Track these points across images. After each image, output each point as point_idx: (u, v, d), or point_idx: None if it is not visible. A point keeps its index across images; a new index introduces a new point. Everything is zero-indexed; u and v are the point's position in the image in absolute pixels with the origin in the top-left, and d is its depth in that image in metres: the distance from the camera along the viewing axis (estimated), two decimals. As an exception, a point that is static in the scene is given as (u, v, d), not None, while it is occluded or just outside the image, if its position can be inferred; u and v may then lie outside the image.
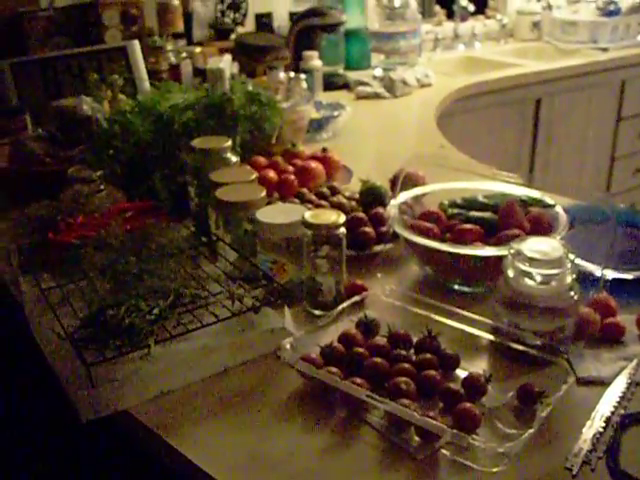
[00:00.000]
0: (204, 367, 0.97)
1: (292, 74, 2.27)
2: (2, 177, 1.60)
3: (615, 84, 3.01)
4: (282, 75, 2.24)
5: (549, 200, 1.24)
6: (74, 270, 1.19)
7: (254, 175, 1.27)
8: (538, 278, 1.00)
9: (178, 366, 0.95)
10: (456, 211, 1.25)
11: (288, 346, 0.95)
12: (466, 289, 1.19)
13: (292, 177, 1.53)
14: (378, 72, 2.60)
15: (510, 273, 1.02)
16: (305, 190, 1.46)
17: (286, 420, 0.92)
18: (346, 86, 2.49)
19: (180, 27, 2.30)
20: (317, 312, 1.13)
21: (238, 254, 1.15)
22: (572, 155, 2.98)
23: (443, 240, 1.17)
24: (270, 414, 0.93)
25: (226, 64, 2.03)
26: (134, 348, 0.91)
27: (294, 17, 2.51)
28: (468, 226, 1.19)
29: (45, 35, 2.23)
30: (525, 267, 1.00)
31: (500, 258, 1.09)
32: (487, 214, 1.22)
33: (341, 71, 2.63)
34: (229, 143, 1.34)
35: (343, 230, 1.10)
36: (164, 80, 2.12)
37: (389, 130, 2.11)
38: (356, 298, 1.08)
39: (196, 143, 1.35)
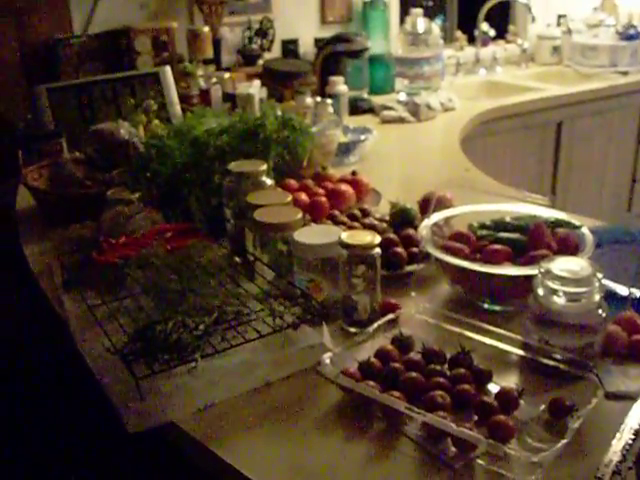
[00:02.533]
0: (247, 381, 1.02)
1: (318, 99, 2.33)
2: (43, 199, 1.66)
3: (635, 107, 3.05)
4: (309, 100, 2.30)
5: (576, 222, 1.27)
6: (117, 288, 1.24)
7: (289, 197, 1.32)
8: (567, 296, 1.03)
9: (222, 379, 0.99)
10: (485, 232, 1.29)
11: (328, 361, 0.99)
12: (496, 307, 1.22)
13: (323, 199, 1.57)
14: (402, 97, 2.65)
15: (540, 291, 1.05)
16: (337, 212, 1.50)
17: (327, 432, 0.96)
18: (371, 110, 2.55)
19: (209, 53, 2.37)
20: (352, 329, 1.17)
21: (275, 273, 1.20)
22: (593, 178, 3.01)
23: (474, 260, 1.21)
24: (311, 426, 0.97)
25: (255, 89, 2.10)
26: (182, 362, 0.95)
27: (320, 43, 2.58)
28: (497, 247, 1.23)
29: (78, 61, 2.31)
30: (555, 285, 1.04)
31: (529, 277, 1.13)
32: (515, 235, 1.26)
33: (365, 95, 2.69)
34: (264, 167, 1.39)
35: (378, 250, 1.14)
36: (195, 105, 2.19)
37: (414, 153, 2.16)
38: (391, 316, 1.12)
39: (232, 167, 1.40)
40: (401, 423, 0.95)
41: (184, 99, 2.19)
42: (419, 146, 2.24)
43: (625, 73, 3.06)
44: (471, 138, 2.41)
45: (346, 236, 1.15)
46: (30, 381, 1.58)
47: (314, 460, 0.91)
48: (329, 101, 2.30)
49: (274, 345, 1.04)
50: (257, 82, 2.19)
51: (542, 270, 1.06)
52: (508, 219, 1.32)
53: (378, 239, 1.14)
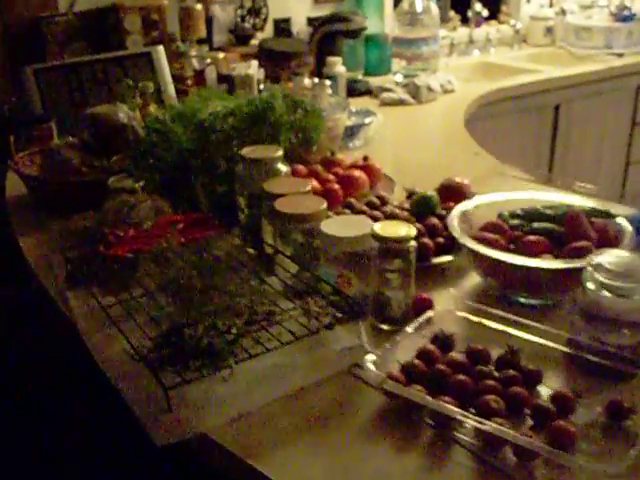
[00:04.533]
0: (282, 387, 0.94)
1: (316, 80, 2.24)
2: (36, 187, 1.56)
3: (630, 89, 3.00)
4: (307, 81, 2.21)
5: (613, 211, 1.21)
6: (128, 285, 1.15)
7: (309, 186, 1.24)
8: (619, 291, 0.97)
9: (257, 386, 0.92)
10: (517, 222, 1.23)
11: (372, 365, 0.92)
12: (532, 302, 1.16)
13: (336, 186, 1.49)
14: (399, 78, 2.58)
15: (590, 286, 0.99)
16: (353, 200, 1.42)
17: (372, 441, 0.89)
18: (368, 92, 2.46)
19: (202, 33, 2.26)
20: (385, 327, 1.10)
21: (301, 268, 1.12)
22: (589, 160, 2.97)
23: (510, 252, 1.14)
24: (354, 435, 0.90)
25: (254, 70, 2.00)
26: (215, 370, 0.87)
27: (316, 22, 2.48)
28: (534, 237, 1.16)
29: (64, 40, 2.19)
30: (607, 280, 0.97)
31: (572, 271, 1.07)
32: (550, 225, 1.19)
33: (360, 77, 2.60)
34: (280, 152, 1.31)
35: (414, 243, 1.07)
36: (190, 86, 2.09)
37: (420, 137, 2.09)
38: (430, 313, 1.05)
39: (246, 152, 1.32)
40: (452, 430, 0.89)
41: (178, 80, 2.08)
42: (423, 129, 2.17)
43: (620, 55, 3.01)
44: (470, 121, 2.34)
45: (379, 228, 1.07)
46: (30, 382, 1.49)
47: (360, 473, 0.85)
48: (328, 82, 2.20)
49: (309, 347, 0.97)
50: (255, 62, 2.10)
51: (593, 263, 0.99)
52: (539, 208, 1.25)
53: (414, 231, 1.07)
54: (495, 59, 3.11)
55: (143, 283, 1.12)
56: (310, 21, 2.68)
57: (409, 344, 1.02)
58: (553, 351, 1.02)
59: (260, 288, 1.06)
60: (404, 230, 1.07)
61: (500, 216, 1.26)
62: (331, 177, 1.56)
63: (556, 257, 1.13)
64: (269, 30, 2.62)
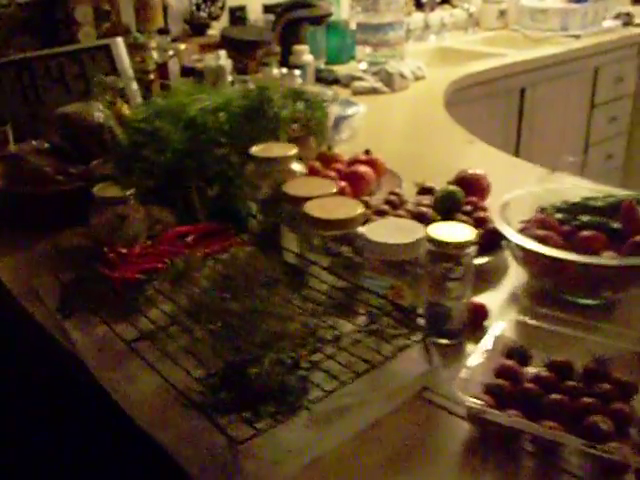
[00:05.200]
0: (355, 423, 0.81)
1: (284, 70, 2.11)
2: (3, 200, 1.36)
3: (588, 71, 2.99)
4: (276, 71, 2.07)
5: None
6: (139, 311, 1.00)
7: (335, 187, 1.11)
8: None
9: (328, 425, 0.78)
10: (562, 216, 1.13)
11: (459, 391, 0.80)
12: (590, 301, 1.06)
13: (343, 184, 1.36)
14: (363, 66, 2.46)
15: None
16: (367, 198, 1.30)
17: (467, 475, 0.77)
18: (336, 82, 2.34)
19: (160, 22, 2.08)
20: (444, 341, 0.98)
21: (343, 280, 0.99)
22: (552, 143, 2.93)
23: (567, 249, 1.04)
24: (444, 470, 0.78)
25: (225, 61, 1.85)
26: (291, 414, 0.73)
27: (278, 9, 2.34)
28: (589, 233, 1.07)
29: (7, 34, 1.97)
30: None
31: (635, 268, 0.98)
32: (601, 218, 1.10)
33: (322, 66, 2.48)
34: (295, 151, 1.17)
35: (475, 248, 0.95)
36: (152, 81, 1.91)
37: (405, 127, 1.98)
38: (502, 325, 0.94)
39: (257, 151, 1.17)
40: (558, 457, 0.78)
41: (139, 75, 1.90)
42: (406, 119, 2.06)
43: (577, 36, 2.98)
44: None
45: (435, 232, 0.95)
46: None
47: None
48: (297, 72, 2.08)
49: (379, 373, 0.84)
50: (223, 53, 1.94)
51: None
52: (582, 200, 1.16)
53: (474, 234, 0.95)
54: (451, 43, 3.04)
55: (161, 308, 0.97)
56: (266, 9, 2.53)
57: (473, 359, 0.91)
58: (629, 353, 0.93)
59: (306, 307, 0.92)
60: (464, 233, 0.95)
61: (543, 210, 1.16)
62: (332, 174, 1.43)
63: (617, 252, 1.03)
64: (224, 19, 2.45)
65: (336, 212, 1.02)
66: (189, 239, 1.09)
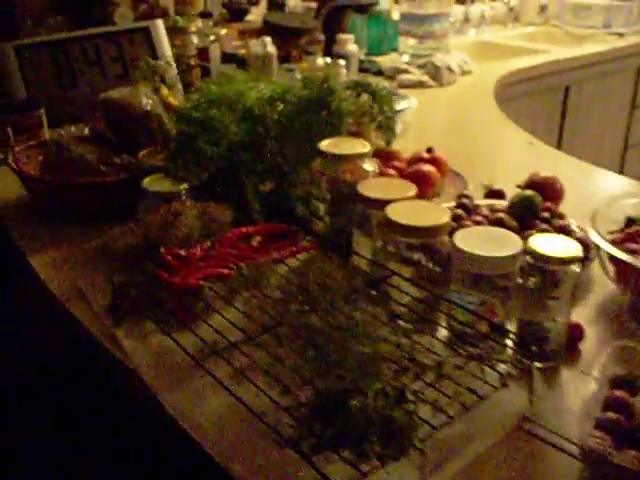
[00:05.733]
0: (457, 459, 0.71)
1: (328, 60, 2.01)
2: (41, 190, 1.27)
3: (631, 71, 2.88)
4: (320, 61, 1.97)
5: None
6: (198, 318, 0.91)
7: (413, 190, 1.01)
8: None
9: (435, 464, 0.69)
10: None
11: (572, 426, 0.70)
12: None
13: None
14: (405, 58, 2.36)
15: None
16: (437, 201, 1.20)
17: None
18: (379, 73, 2.23)
19: (200, 6, 1.98)
20: (538, 364, 0.88)
21: (432, 295, 0.89)
22: (591, 144, 2.83)
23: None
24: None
25: (272, 48, 1.75)
26: (400, 453, 0.63)
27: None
28: (695, 247, 0.97)
29: (39, 14, 1.87)
30: None
31: None
32: None
33: (362, 57, 2.37)
34: (369, 148, 1.07)
35: (579, 264, 0.85)
36: (194, 66, 1.82)
37: (457, 124, 1.87)
38: (610, 351, 0.84)
39: (327, 147, 1.08)
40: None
41: (178, 60, 1.80)
42: (456, 115, 1.95)
43: (621, 35, 2.87)
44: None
45: (537, 245, 0.85)
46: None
47: None
48: (342, 62, 1.98)
49: (482, 405, 0.74)
50: (269, 39, 1.84)
51: None
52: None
53: (579, 249, 0.85)
54: (491, 38, 2.93)
55: (228, 319, 0.87)
56: (305, -5, 2.43)
57: (570, 388, 0.82)
58: None
59: (394, 324, 0.82)
60: (568, 247, 0.85)
61: (633, 222, 1.06)
62: (392, 172, 1.34)
63: None
64: (262, 5, 2.35)
65: (421, 218, 0.92)
66: (254, 242, 0.99)
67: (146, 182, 1.14)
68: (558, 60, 2.52)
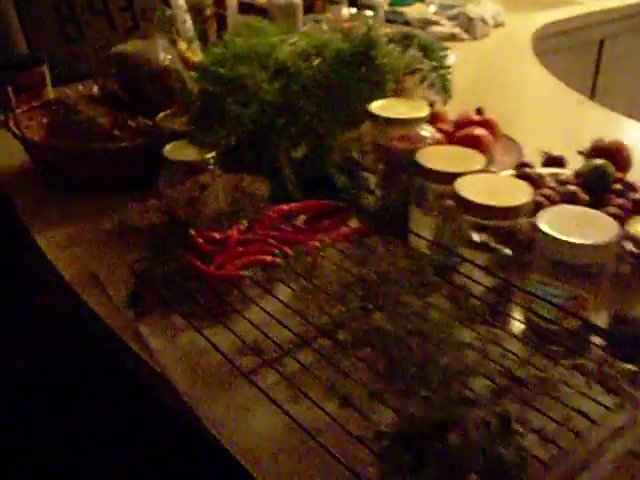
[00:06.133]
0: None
1: (353, 10, 1.84)
2: (43, 158, 1.12)
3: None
4: (345, 11, 1.81)
5: None
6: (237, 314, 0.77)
7: (483, 161, 0.87)
8: None
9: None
10: None
11: None
12: None
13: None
14: (432, 9, 2.18)
15: None
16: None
17: None
18: (407, 25, 2.06)
19: (213, -50, 1.80)
20: (630, 367, 0.75)
21: (514, 287, 0.76)
22: (625, 101, 2.66)
23: None
24: None
25: (296, -3, 1.58)
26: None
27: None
28: None
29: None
30: None
31: None
32: None
33: (386, 8, 2.20)
34: (427, 112, 0.93)
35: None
36: (209, 17, 1.65)
37: (497, 81, 1.71)
38: None
39: (378, 109, 0.93)
40: None
41: (192, 10, 1.64)
42: (494, 71, 1.79)
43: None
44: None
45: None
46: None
47: None
48: (369, 13, 1.82)
49: (595, 432, 0.61)
50: (291, -13, 1.67)
51: None
52: None
53: (695, 234, 0.72)
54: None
55: (273, 316, 0.74)
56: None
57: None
58: None
59: (475, 325, 0.69)
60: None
61: None
62: (438, 136, 1.19)
63: None
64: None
65: (498, 195, 0.79)
66: (299, 221, 0.86)
67: (168, 150, 1.00)
68: (592, 12, 2.34)
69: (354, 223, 0.89)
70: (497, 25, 2.08)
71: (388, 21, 2.03)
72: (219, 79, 1.05)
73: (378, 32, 1.14)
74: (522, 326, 0.75)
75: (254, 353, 0.73)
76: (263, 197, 0.94)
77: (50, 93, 1.38)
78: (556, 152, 1.18)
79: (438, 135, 0.94)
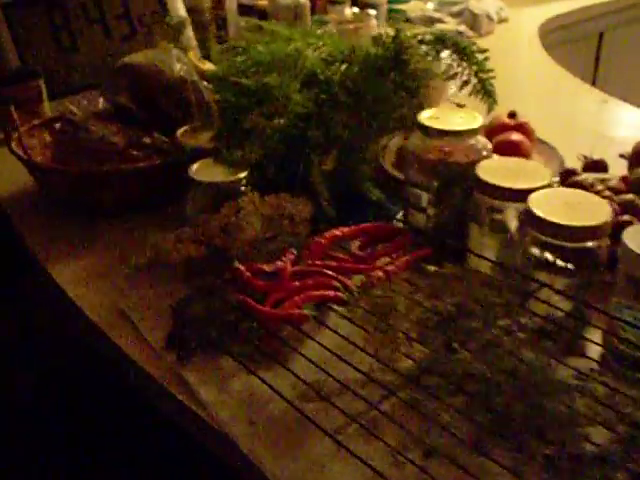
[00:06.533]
0: None
1: (355, 9, 1.77)
2: (50, 181, 1.03)
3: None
4: (348, 11, 1.73)
5: None
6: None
7: (550, 175, 0.80)
8: None
9: None
10: None
11: None
12: None
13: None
14: (431, 5, 2.11)
15: None
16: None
17: None
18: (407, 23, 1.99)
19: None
20: None
21: (596, 310, 0.69)
22: (626, 94, 2.62)
23: None
24: None
25: (303, -2, 1.50)
26: None
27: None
28: None
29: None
30: None
31: None
32: None
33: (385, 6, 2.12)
34: (480, 121, 0.86)
35: None
36: (208, 23, 1.57)
37: (511, 81, 1.64)
38: None
39: (427, 120, 0.86)
40: None
41: (192, 13, 1.55)
42: (508, 70, 1.70)
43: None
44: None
45: None
46: None
47: None
48: (372, 12, 1.74)
49: None
50: (297, -14, 1.59)
51: None
52: None
53: None
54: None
55: (350, 362, 0.66)
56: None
57: None
58: None
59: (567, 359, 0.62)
60: None
61: None
62: (490, 147, 1.12)
63: None
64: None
65: (575, 213, 0.72)
66: (355, 249, 0.78)
67: (195, 170, 0.91)
68: (592, 5, 2.29)
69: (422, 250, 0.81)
70: (500, 21, 2.02)
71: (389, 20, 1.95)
72: (242, 90, 0.97)
73: (407, 34, 1.07)
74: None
75: (320, 398, 0.66)
76: (305, 219, 0.86)
77: (47, 109, 1.28)
78: (596, 155, 1.12)
79: (490, 146, 0.87)
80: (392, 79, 1.02)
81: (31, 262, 1.03)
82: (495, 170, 0.80)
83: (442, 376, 0.60)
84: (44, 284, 0.95)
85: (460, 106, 1.01)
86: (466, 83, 0.98)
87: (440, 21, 1.91)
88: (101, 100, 1.15)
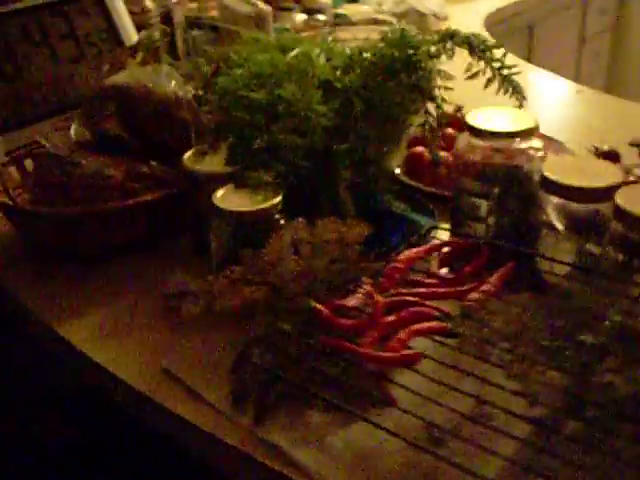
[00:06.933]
0: None
1: (304, 16, 1.70)
2: (38, 228, 0.90)
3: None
4: (299, 18, 1.66)
5: None
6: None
7: (617, 170, 0.75)
8: None
9: None
10: None
11: None
12: None
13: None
14: (367, 8, 2.06)
15: None
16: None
17: None
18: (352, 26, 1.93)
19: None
20: None
21: None
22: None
23: None
24: None
25: (264, 5, 1.41)
26: None
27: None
28: None
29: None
30: None
31: None
32: None
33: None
34: (535, 122, 0.80)
35: None
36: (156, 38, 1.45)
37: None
38: None
39: (476, 122, 0.79)
40: None
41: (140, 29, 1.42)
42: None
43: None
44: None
45: None
46: None
47: None
48: (322, 18, 1.68)
49: None
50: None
51: None
52: None
53: None
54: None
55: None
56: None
57: None
58: None
59: None
60: None
61: None
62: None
63: None
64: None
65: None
66: (433, 268, 0.70)
67: (219, 199, 0.81)
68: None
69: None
70: (440, 19, 1.99)
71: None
72: (258, 106, 0.87)
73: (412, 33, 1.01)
74: None
75: (436, 444, 0.57)
76: (354, 243, 0.77)
77: (1, 145, 1.14)
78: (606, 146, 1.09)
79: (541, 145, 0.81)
80: (405, 83, 0.95)
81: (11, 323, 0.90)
82: (562, 171, 0.74)
83: (603, 406, 0.53)
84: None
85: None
86: (490, 81, 0.92)
87: (386, 22, 1.86)
88: (72, 129, 1.01)
